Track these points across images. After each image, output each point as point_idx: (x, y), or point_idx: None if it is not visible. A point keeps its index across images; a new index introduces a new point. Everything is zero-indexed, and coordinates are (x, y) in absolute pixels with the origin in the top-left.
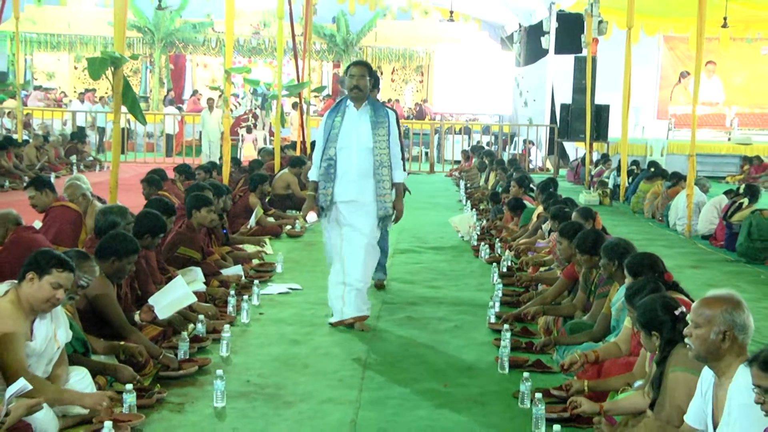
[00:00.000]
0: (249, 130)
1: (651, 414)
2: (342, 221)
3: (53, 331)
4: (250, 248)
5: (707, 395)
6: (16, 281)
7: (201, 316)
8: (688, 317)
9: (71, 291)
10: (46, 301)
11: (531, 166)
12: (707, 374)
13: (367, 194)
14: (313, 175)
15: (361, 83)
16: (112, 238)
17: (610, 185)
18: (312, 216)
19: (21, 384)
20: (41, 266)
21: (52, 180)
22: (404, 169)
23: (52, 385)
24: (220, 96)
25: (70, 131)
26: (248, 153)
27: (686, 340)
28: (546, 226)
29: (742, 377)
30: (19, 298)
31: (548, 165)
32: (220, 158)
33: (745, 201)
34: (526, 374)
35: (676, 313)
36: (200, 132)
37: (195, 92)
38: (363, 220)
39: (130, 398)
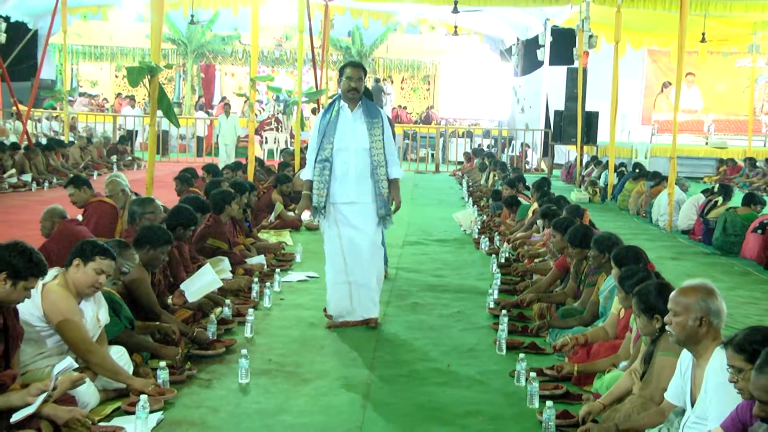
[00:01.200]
0: (256, 132)
1: (637, 390)
2: (342, 222)
3: (96, 312)
4: (272, 240)
5: (686, 375)
6: (62, 268)
7: (228, 301)
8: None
9: (114, 276)
10: (90, 285)
11: (527, 167)
12: (686, 356)
13: (366, 195)
14: (307, 174)
15: (358, 85)
16: (148, 230)
17: (600, 184)
18: (306, 214)
19: (68, 362)
20: (86, 254)
21: (95, 177)
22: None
23: (113, 360)
24: (245, 102)
25: (112, 134)
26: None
27: (667, 327)
28: (540, 222)
29: (718, 359)
30: (66, 282)
31: (543, 166)
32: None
33: (720, 199)
34: (521, 355)
35: None
36: (217, 135)
37: (223, 98)
38: (364, 220)
39: (163, 374)
